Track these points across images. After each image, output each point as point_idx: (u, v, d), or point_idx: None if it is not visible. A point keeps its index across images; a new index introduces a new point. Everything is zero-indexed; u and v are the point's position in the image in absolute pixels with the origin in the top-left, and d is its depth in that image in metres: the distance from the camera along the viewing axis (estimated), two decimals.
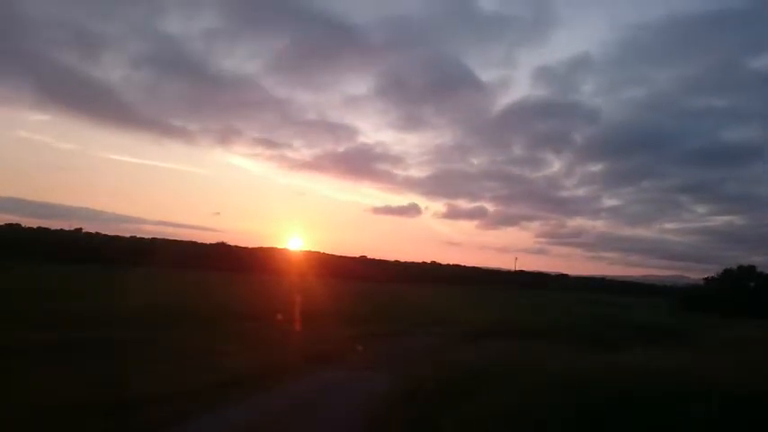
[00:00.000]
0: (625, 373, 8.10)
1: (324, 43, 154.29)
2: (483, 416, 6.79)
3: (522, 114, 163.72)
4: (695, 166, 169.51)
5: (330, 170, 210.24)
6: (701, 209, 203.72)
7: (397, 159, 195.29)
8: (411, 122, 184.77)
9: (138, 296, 24.19)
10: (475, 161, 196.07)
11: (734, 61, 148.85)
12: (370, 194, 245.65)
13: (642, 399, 6.63)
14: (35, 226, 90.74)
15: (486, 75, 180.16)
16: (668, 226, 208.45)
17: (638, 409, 6.33)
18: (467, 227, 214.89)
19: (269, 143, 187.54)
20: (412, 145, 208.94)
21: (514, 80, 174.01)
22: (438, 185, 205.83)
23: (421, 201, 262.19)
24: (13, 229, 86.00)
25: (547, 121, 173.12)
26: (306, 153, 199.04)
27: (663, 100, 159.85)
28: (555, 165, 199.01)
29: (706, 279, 62.08)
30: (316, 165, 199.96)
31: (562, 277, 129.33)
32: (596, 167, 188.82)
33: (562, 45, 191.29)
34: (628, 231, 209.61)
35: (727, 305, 48.95)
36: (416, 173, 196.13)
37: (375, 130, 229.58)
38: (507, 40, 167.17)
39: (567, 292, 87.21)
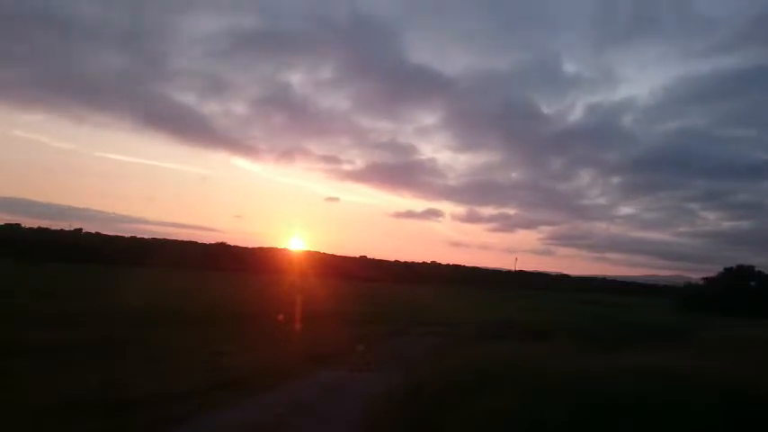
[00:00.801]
0: (625, 373, 8.09)
1: (410, 87, 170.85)
2: (483, 416, 6.78)
3: (566, 139, 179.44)
4: (709, 179, 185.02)
5: (373, 180, 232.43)
6: (710, 215, 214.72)
7: (440, 172, 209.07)
8: (466, 145, 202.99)
9: (137, 296, 24.18)
10: (513, 175, 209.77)
11: (762, 102, 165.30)
12: (398, 202, 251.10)
13: (642, 399, 6.62)
14: (35, 226, 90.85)
15: (545, 108, 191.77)
16: (673, 229, 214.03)
17: (639, 410, 6.32)
18: (479, 230, 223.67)
19: (331, 159, 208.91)
20: (459, 162, 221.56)
21: (568, 113, 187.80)
22: (468, 194, 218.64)
23: (447, 207, 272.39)
24: (13, 228, 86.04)
25: (585, 144, 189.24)
26: (356, 164, 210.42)
27: (689, 129, 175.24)
28: (583, 178, 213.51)
29: (706, 279, 62.10)
30: (359, 175, 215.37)
31: (563, 277, 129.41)
32: (617, 180, 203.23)
33: (616, 92, 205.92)
34: (631, 234, 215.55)
35: (728, 305, 48.95)
36: (452, 183, 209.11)
37: (433, 151, 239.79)
38: (575, 93, 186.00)
39: (567, 292, 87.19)
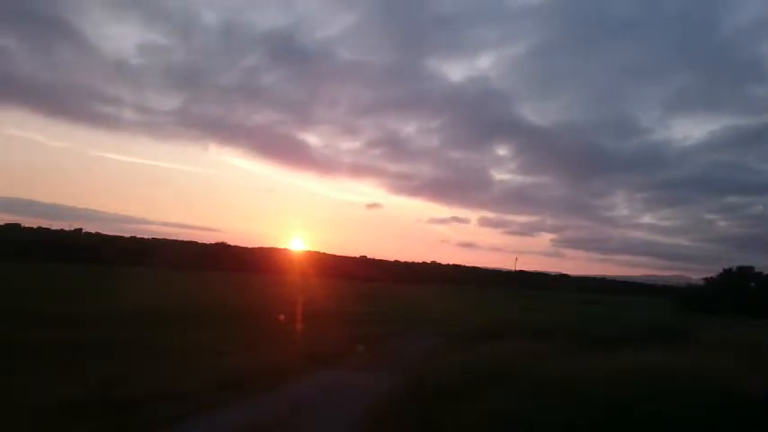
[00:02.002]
0: (625, 373, 8.10)
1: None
2: (483, 417, 6.80)
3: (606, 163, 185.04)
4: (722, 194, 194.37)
5: (417, 193, 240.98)
6: (712, 218, 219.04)
7: (484, 185, 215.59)
8: (524, 167, 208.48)
9: (138, 296, 24.20)
10: (549, 190, 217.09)
11: None
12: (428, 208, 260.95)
13: (642, 399, 6.63)
14: (35, 226, 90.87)
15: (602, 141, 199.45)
16: (674, 230, 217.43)
17: (639, 410, 6.33)
18: (493, 233, 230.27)
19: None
20: (505, 179, 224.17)
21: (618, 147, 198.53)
22: (498, 204, 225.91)
23: (466, 213, 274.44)
24: (13, 228, 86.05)
25: (619, 168, 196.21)
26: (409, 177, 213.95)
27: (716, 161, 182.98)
28: (598, 187, 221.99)
29: (706, 279, 62.11)
30: (410, 189, 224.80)
31: (563, 277, 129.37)
32: (632, 192, 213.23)
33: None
34: (633, 235, 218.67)
35: (727, 305, 48.97)
36: (484, 193, 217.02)
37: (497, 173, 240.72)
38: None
39: (567, 292, 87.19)
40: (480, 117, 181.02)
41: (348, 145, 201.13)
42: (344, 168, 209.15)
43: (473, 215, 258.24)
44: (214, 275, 55.96)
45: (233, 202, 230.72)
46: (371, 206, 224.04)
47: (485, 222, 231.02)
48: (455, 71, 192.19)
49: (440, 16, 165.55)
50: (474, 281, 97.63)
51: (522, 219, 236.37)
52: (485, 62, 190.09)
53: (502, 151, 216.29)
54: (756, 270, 57.30)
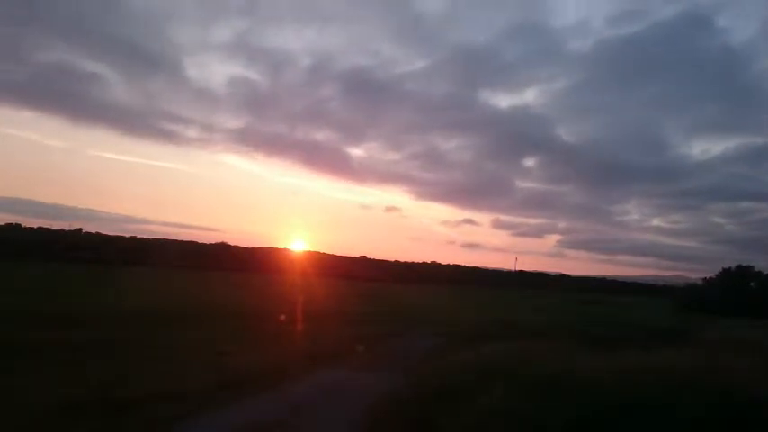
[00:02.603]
0: (625, 373, 8.11)
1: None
2: (483, 417, 6.80)
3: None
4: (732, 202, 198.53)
5: (438, 198, 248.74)
6: (713, 218, 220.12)
7: (505, 192, 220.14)
8: (546, 177, 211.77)
9: (138, 296, 24.21)
10: (565, 196, 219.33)
11: None
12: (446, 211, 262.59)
13: (642, 399, 6.64)
14: (35, 226, 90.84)
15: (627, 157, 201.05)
16: (674, 231, 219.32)
17: (638, 410, 6.34)
18: (501, 235, 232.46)
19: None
20: (526, 187, 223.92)
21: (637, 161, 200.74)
22: (514, 209, 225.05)
23: (481, 217, 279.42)
24: (13, 229, 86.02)
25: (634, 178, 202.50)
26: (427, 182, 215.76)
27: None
28: (627, 201, 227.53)
29: (705, 279, 62.12)
30: (433, 194, 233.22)
31: (562, 277, 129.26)
32: (654, 202, 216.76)
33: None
34: (633, 235, 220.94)
35: (727, 305, 48.99)
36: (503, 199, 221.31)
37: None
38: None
39: (567, 292, 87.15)
40: (514, 135, 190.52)
41: (389, 157, 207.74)
42: (377, 176, 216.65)
43: (486, 218, 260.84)
44: (214, 275, 55.96)
45: (238, 203, 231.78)
46: (390, 209, 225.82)
47: (498, 225, 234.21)
48: (502, 101, 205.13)
49: (501, 64, 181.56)
50: (474, 281, 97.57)
51: (533, 221, 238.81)
52: (530, 95, 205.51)
53: (529, 163, 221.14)
54: (756, 270, 57.35)
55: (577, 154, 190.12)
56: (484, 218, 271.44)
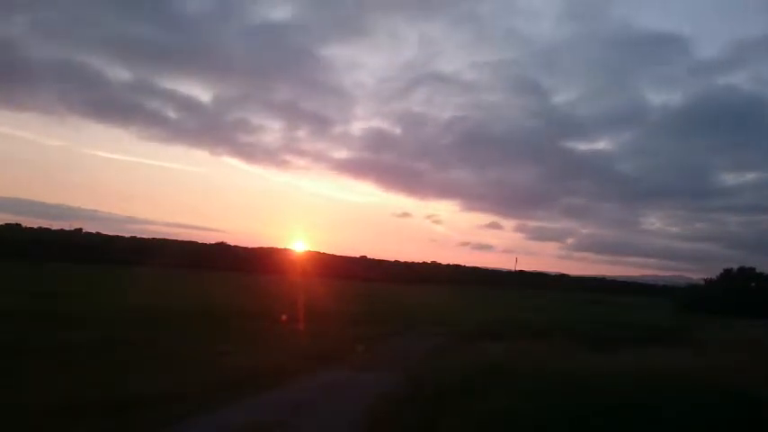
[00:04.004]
0: (625, 373, 8.09)
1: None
2: (483, 417, 6.79)
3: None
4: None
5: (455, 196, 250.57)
6: (713, 218, 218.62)
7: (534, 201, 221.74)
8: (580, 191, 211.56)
9: (138, 296, 24.19)
10: (591, 207, 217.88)
11: None
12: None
13: (642, 399, 6.62)
14: (35, 226, 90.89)
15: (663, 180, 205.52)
16: (674, 231, 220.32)
17: (638, 410, 6.32)
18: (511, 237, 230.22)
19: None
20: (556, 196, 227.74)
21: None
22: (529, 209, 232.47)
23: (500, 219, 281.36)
24: (13, 229, 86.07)
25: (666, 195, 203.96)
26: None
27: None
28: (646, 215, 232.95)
29: (706, 280, 62.08)
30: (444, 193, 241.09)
31: (562, 277, 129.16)
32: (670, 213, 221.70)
33: None
34: (634, 236, 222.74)
35: (728, 306, 48.94)
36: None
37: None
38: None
39: (567, 292, 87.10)
40: (562, 159, 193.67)
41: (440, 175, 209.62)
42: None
43: (510, 223, 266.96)
44: (214, 275, 55.97)
45: (239, 204, 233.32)
46: (403, 215, 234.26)
47: (519, 228, 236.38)
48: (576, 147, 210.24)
49: (578, 124, 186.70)
50: (474, 281, 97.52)
51: (557, 226, 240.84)
52: (601, 144, 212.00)
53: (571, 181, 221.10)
54: (757, 270, 57.30)
55: (615, 173, 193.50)
56: (508, 223, 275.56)
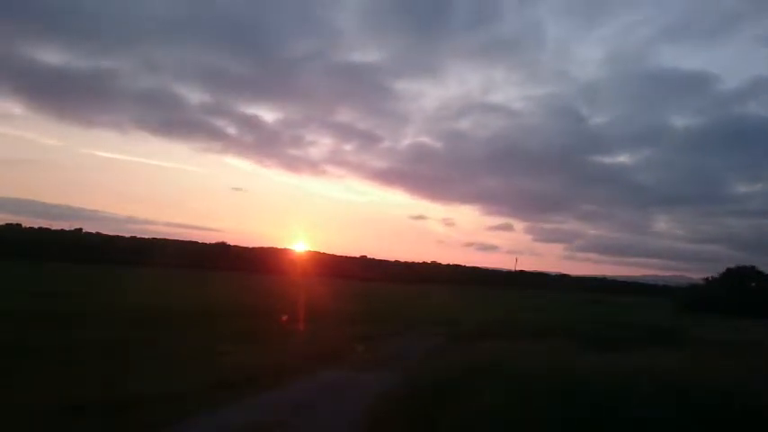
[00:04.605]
0: (625, 373, 8.10)
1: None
2: (483, 416, 6.80)
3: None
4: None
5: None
6: (713, 218, 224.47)
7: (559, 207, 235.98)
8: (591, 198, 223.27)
9: (138, 296, 24.21)
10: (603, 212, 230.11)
11: None
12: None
13: (642, 399, 6.63)
14: (35, 226, 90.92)
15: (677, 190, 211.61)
16: (674, 231, 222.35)
17: (638, 410, 6.33)
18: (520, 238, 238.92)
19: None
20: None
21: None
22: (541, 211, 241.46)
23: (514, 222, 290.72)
24: (13, 229, 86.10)
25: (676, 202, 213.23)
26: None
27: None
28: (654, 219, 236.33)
29: (706, 279, 62.06)
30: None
31: (563, 277, 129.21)
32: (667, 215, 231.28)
33: None
34: (634, 236, 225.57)
35: (728, 305, 48.95)
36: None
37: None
38: None
39: (567, 292, 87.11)
40: (584, 170, 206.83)
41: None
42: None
43: (521, 225, 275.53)
44: (214, 275, 55.97)
45: (239, 204, 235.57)
46: (417, 218, 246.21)
47: (528, 230, 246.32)
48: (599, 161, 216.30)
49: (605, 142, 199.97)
50: (474, 281, 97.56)
51: (555, 226, 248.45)
52: (622, 158, 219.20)
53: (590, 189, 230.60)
54: (757, 270, 57.27)
55: (631, 183, 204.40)
56: (520, 225, 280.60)
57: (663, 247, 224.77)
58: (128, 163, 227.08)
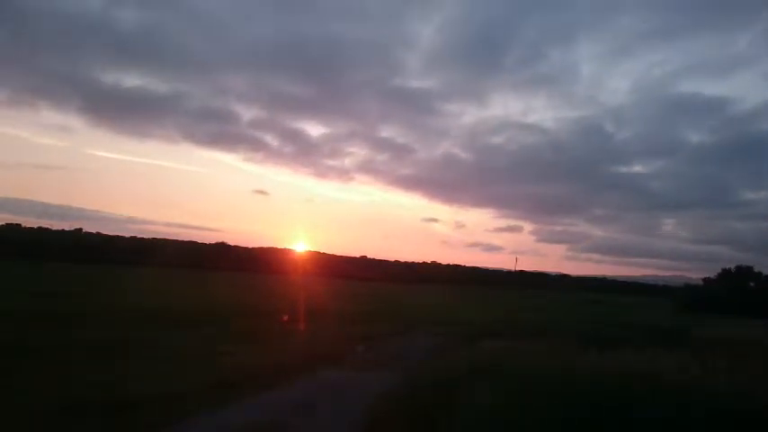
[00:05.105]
0: (625, 373, 8.11)
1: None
2: (483, 416, 6.81)
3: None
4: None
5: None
6: (712, 219, 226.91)
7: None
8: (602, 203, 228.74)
9: (138, 296, 24.21)
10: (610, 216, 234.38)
11: None
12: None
13: (641, 399, 6.64)
14: (35, 226, 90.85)
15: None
16: (674, 231, 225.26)
17: (638, 410, 6.34)
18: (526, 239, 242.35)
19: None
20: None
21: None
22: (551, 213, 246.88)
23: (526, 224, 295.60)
24: (13, 229, 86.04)
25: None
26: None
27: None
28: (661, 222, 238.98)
29: (705, 279, 62.13)
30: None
31: (563, 277, 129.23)
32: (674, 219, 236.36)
33: None
34: (634, 236, 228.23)
35: (727, 305, 49.02)
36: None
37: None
38: None
39: (567, 292, 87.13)
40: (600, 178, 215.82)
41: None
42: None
43: (529, 226, 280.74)
44: (214, 275, 55.96)
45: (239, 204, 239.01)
46: (429, 220, 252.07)
47: (535, 231, 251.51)
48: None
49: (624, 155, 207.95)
50: (474, 281, 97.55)
51: (572, 229, 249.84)
52: (637, 168, 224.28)
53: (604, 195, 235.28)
54: (756, 270, 57.35)
55: (645, 191, 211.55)
56: (529, 226, 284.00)
57: (665, 247, 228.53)
58: (172, 170, 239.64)
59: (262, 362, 11.10)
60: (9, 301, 18.27)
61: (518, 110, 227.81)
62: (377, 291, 50.21)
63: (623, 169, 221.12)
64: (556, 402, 6.66)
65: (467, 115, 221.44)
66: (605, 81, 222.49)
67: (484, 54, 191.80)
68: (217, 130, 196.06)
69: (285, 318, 19.97)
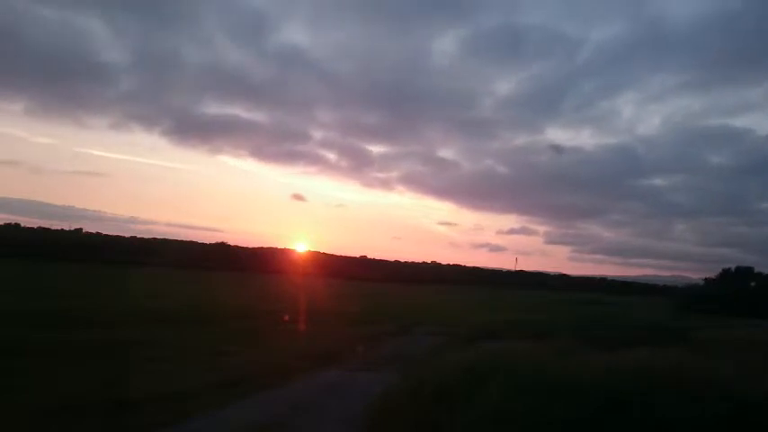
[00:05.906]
0: (624, 373, 8.10)
1: None
2: (483, 417, 6.80)
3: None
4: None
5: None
6: (712, 219, 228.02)
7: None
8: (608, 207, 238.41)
9: (138, 296, 24.22)
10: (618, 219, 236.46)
11: None
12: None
13: (641, 399, 6.63)
14: (35, 226, 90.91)
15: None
16: (674, 232, 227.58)
17: (637, 410, 6.34)
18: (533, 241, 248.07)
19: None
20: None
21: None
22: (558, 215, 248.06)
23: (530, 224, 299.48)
24: (13, 229, 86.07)
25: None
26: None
27: None
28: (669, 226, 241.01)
29: (706, 279, 62.18)
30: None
31: (562, 277, 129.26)
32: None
33: None
34: (634, 236, 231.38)
35: (727, 305, 49.02)
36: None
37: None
38: None
39: (567, 292, 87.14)
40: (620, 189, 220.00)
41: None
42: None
43: (540, 228, 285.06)
44: (215, 275, 55.99)
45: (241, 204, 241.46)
46: (444, 223, 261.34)
47: (544, 233, 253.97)
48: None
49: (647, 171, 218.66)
50: (474, 281, 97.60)
51: (582, 232, 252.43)
52: (657, 181, 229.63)
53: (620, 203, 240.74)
54: (756, 270, 57.39)
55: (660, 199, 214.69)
56: (542, 229, 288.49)
57: (667, 248, 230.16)
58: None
59: (262, 362, 11.10)
60: (9, 300, 18.27)
61: (564, 138, 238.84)
62: (377, 291, 50.21)
63: (641, 182, 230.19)
64: (557, 403, 6.65)
65: (518, 140, 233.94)
66: (642, 117, 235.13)
67: (546, 101, 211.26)
68: (288, 149, 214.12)
69: (286, 318, 19.97)
